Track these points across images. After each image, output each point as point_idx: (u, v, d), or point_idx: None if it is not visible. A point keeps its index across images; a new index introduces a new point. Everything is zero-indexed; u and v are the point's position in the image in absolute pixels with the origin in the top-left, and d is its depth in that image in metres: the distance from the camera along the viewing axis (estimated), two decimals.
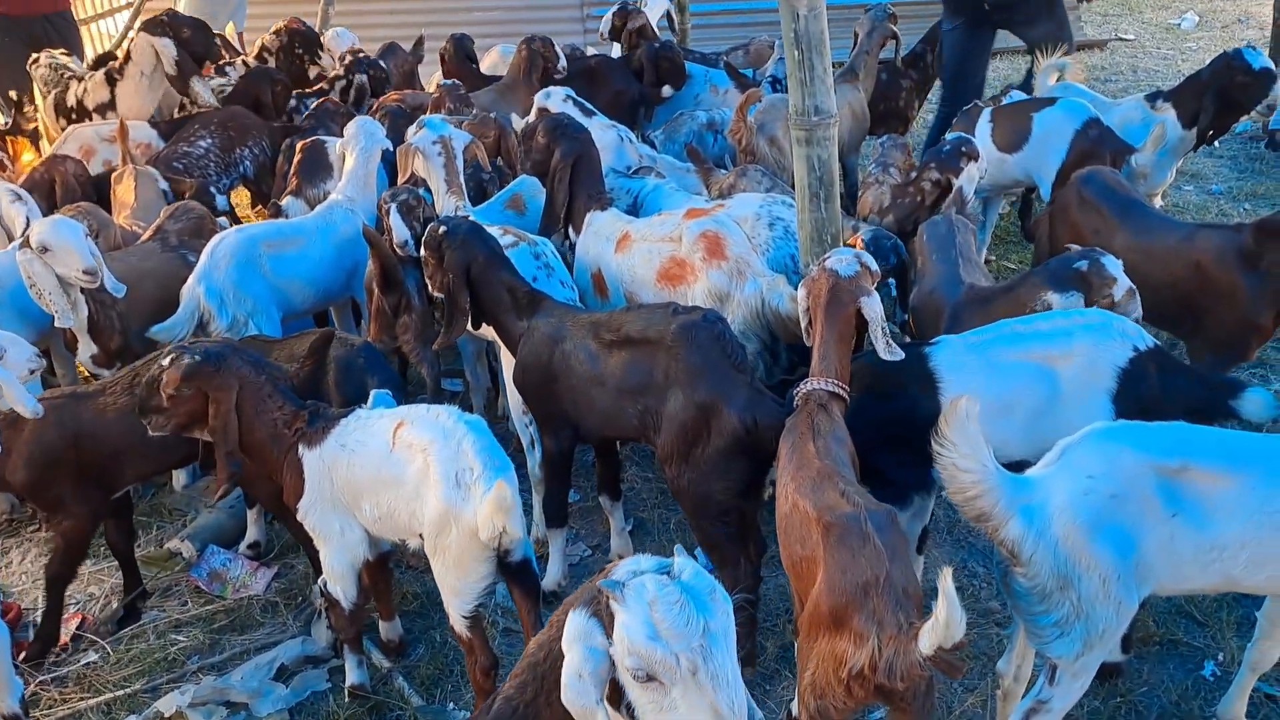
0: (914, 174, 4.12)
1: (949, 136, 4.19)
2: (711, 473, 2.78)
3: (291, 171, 4.83)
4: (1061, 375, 2.72)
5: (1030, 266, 4.73)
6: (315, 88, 6.61)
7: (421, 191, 4.11)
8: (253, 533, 3.76)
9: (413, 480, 2.65)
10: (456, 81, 5.92)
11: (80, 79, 6.17)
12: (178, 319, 3.91)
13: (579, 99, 5.10)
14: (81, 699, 3.13)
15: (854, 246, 3.80)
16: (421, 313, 3.93)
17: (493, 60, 7.09)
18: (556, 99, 5.03)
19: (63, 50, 6.38)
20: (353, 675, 3.05)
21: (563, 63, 6.27)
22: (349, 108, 5.97)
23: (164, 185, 4.88)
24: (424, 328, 3.93)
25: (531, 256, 3.55)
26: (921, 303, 3.41)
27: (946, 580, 1.82)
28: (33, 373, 2.87)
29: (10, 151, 5.99)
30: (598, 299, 3.81)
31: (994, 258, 5.60)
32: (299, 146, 4.91)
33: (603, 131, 4.89)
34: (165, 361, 2.81)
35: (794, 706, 2.76)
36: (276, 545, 3.78)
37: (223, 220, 4.73)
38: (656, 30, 7.10)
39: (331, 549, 2.89)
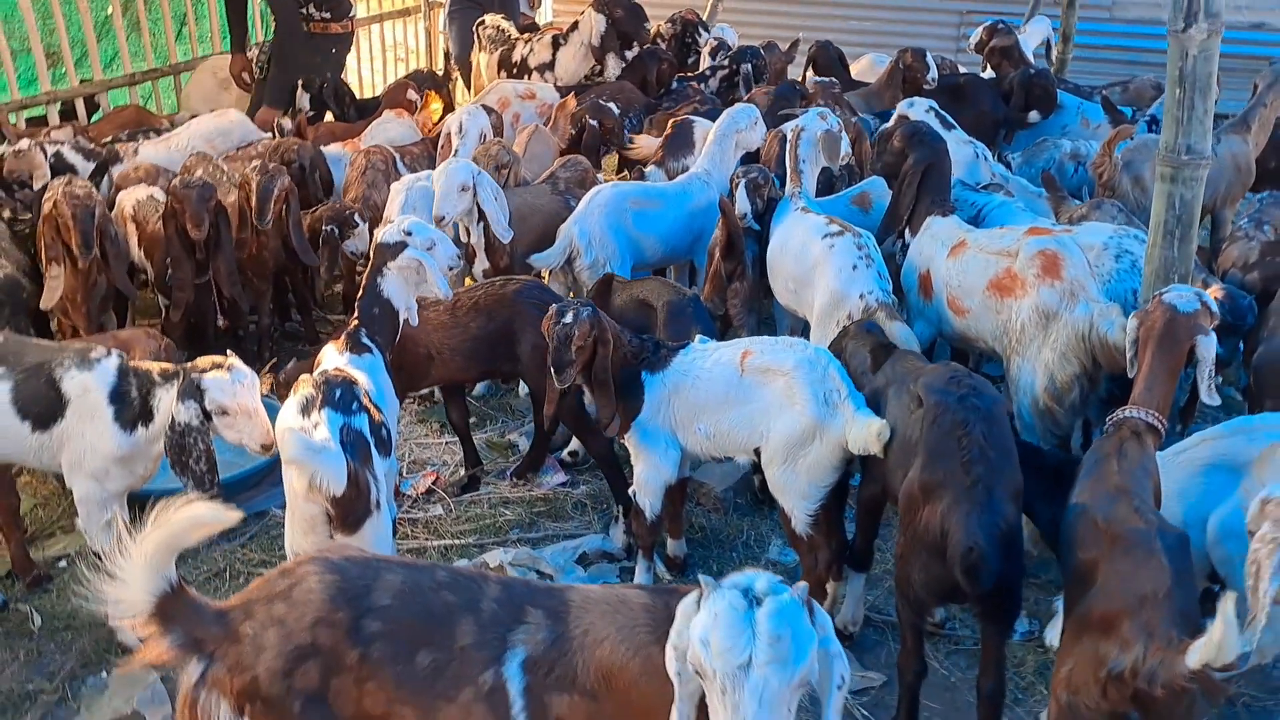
0: None
1: None
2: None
3: (659, 144, 5.38)
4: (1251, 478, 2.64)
5: None
6: (696, 73, 7.21)
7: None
8: (575, 443, 4.34)
9: (766, 400, 3.07)
10: (833, 79, 6.21)
11: (527, 40, 7.18)
12: (552, 252, 4.56)
13: (941, 112, 5.23)
14: (427, 540, 3.83)
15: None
16: (752, 282, 4.32)
17: (862, 67, 7.33)
18: (920, 109, 5.19)
19: (502, 15, 7.44)
20: (641, 578, 3.47)
21: (932, 74, 6.38)
22: (710, 95, 6.45)
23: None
24: (751, 295, 4.32)
25: (855, 246, 3.79)
26: (1267, 363, 3.26)
27: (1228, 603, 1.87)
28: (451, 269, 3.50)
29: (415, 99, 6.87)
30: (921, 299, 3.98)
31: None
32: (670, 123, 5.46)
33: (959, 146, 5.01)
34: (568, 319, 3.06)
35: (1043, 717, 2.84)
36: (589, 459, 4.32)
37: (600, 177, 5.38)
38: (1031, 55, 7.03)
39: (649, 465, 3.32)
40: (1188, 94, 3.00)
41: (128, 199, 4.44)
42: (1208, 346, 2.59)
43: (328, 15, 6.59)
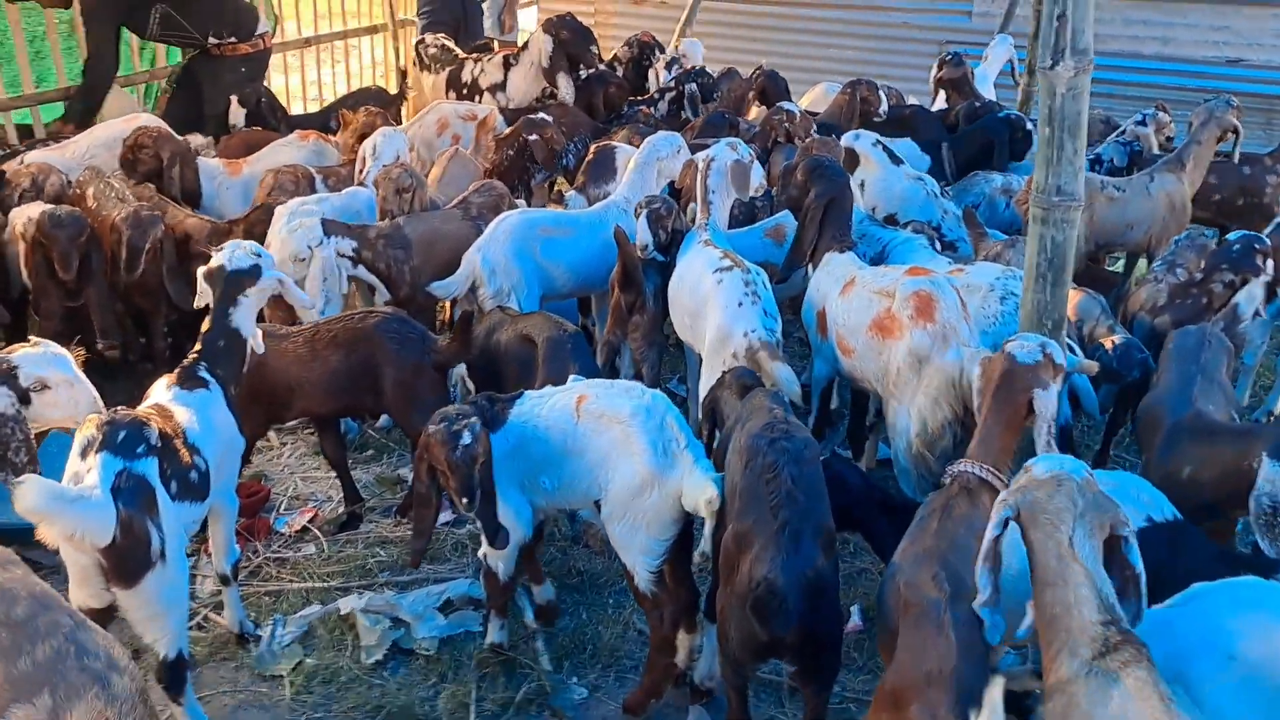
0: (1199, 275, 3.72)
1: (1232, 236, 3.75)
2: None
3: (581, 169, 5.26)
4: None
5: None
6: (646, 95, 7.11)
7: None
8: None
9: (603, 450, 2.87)
10: (789, 107, 6.05)
11: (478, 60, 7.09)
12: (453, 280, 4.42)
13: (889, 147, 5.08)
14: (290, 581, 3.66)
15: (1106, 345, 3.54)
16: (653, 315, 4.17)
17: (814, 96, 7.21)
18: (865, 142, 5.05)
19: (444, 35, 7.39)
20: (493, 635, 3.27)
21: (884, 106, 6.27)
22: (658, 119, 6.34)
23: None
24: (652, 329, 4.18)
25: (742, 283, 3.64)
26: (1144, 412, 3.10)
27: (995, 690, 1.73)
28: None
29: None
30: (819, 337, 3.83)
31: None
32: (591, 148, 5.34)
33: (908, 183, 4.87)
34: (466, 440, 2.77)
35: None
36: None
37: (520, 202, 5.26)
38: (992, 81, 6.94)
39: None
40: (1057, 133, 2.86)
41: (19, 217, 4.35)
42: (1045, 401, 2.43)
43: (233, 40, 6.58)
